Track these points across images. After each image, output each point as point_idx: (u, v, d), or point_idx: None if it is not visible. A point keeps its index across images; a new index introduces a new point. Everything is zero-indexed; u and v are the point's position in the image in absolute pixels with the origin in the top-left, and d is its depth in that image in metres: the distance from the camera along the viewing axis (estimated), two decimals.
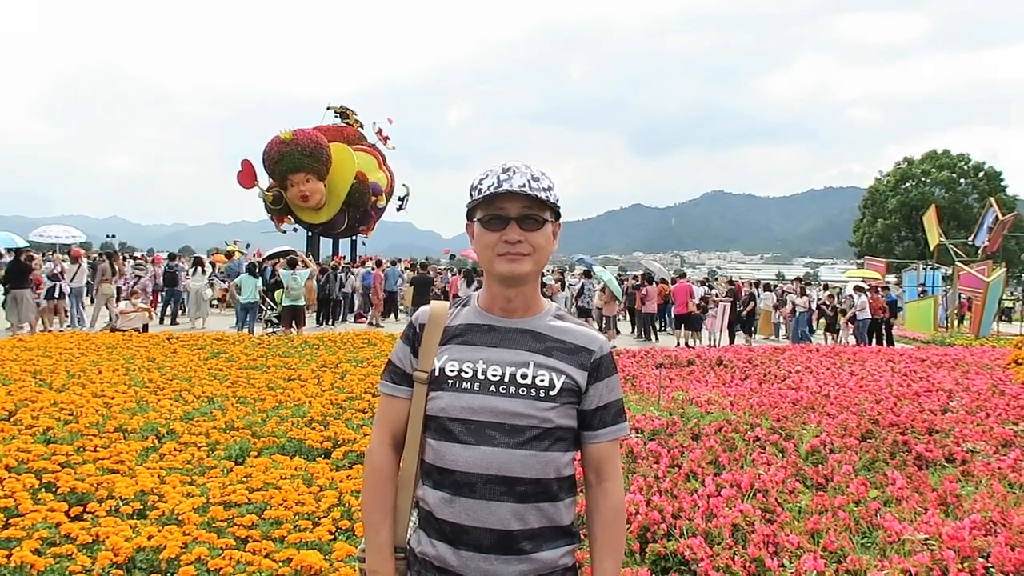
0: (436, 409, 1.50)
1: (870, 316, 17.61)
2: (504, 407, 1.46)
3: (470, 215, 1.55)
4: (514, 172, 1.47)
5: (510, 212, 1.48)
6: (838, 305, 19.40)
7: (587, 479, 1.60)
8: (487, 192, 1.47)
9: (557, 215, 1.54)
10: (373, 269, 20.66)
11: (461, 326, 1.56)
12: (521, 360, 1.50)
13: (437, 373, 1.52)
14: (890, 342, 17.30)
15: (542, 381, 1.48)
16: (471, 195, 1.52)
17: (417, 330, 1.59)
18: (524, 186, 1.46)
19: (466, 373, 1.50)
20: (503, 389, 1.48)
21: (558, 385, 1.49)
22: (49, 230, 21.92)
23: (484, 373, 1.49)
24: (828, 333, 18.77)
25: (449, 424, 1.48)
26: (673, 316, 18.45)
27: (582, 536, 1.58)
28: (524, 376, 1.48)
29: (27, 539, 3.20)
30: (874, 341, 17.19)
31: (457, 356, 1.52)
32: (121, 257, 18.83)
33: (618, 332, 17.66)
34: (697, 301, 17.50)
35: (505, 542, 1.43)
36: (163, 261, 21.19)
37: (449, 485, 1.46)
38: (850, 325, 18.24)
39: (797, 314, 19.16)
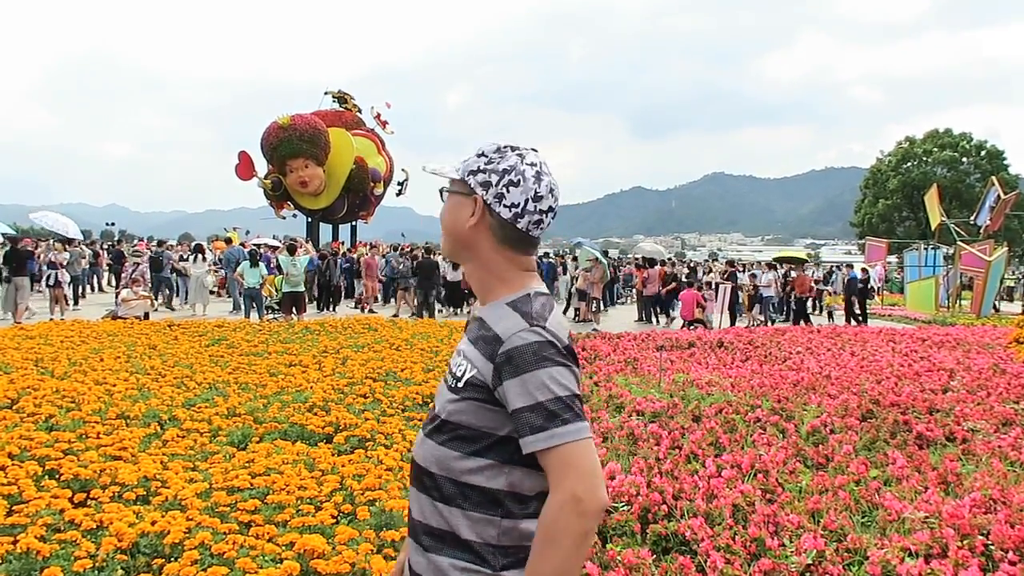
0: None
1: (774, 294, 17.75)
2: (439, 394, 1.44)
3: None
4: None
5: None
6: (759, 283, 18.39)
7: None
8: None
9: (471, 186, 1.36)
10: (362, 255, 20.44)
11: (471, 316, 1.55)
12: (459, 349, 1.43)
13: None
14: (805, 318, 17.02)
15: (458, 370, 1.38)
16: None
17: None
18: (435, 170, 1.41)
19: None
20: (446, 377, 1.44)
21: (465, 377, 1.34)
22: (46, 216, 21.23)
23: (449, 364, 1.47)
24: (748, 314, 17.98)
25: None
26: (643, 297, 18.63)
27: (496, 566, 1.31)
28: (454, 364, 1.41)
29: (32, 525, 3.21)
30: (836, 321, 16.97)
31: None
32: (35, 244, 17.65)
33: (602, 312, 17.33)
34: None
35: (415, 531, 1.39)
36: (144, 246, 20.81)
37: None
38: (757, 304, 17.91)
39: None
